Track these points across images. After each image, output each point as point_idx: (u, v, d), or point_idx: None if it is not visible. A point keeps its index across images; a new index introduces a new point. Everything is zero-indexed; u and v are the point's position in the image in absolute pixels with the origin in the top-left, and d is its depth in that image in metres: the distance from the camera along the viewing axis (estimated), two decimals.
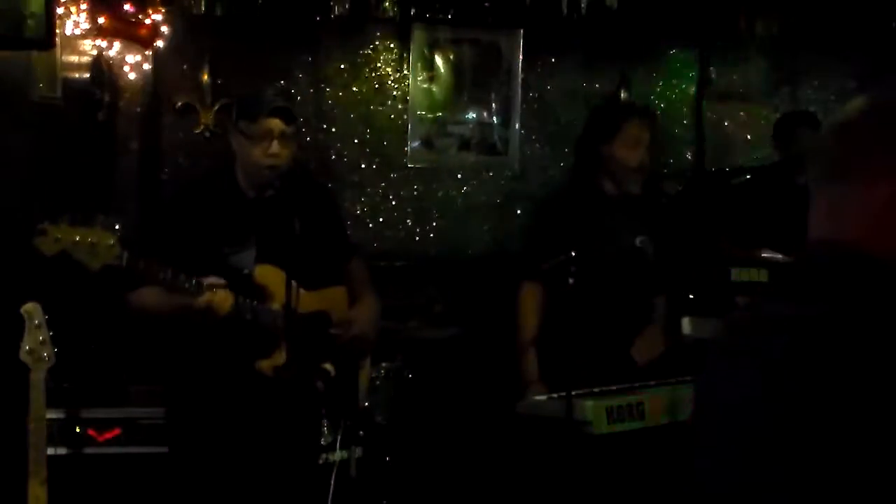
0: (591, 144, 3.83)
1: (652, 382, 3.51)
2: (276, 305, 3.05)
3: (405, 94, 5.47)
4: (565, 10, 5.22)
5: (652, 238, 3.84)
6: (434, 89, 5.50)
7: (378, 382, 4.21)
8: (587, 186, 3.82)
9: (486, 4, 5.32)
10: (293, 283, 2.89)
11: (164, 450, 3.60)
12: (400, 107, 5.48)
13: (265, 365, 3.04)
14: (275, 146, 3.05)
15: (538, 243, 3.77)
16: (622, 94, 5.56)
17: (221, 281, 2.92)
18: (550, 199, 4.02)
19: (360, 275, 3.47)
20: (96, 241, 2.74)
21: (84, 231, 2.73)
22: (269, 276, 3.07)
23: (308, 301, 3.08)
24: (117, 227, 2.80)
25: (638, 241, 3.81)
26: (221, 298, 2.89)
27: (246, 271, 3.07)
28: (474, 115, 5.55)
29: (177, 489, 3.20)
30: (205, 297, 2.88)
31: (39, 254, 2.69)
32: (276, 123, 3.04)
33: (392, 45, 5.45)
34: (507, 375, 3.83)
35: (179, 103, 5.26)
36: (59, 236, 2.70)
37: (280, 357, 3.03)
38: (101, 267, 2.76)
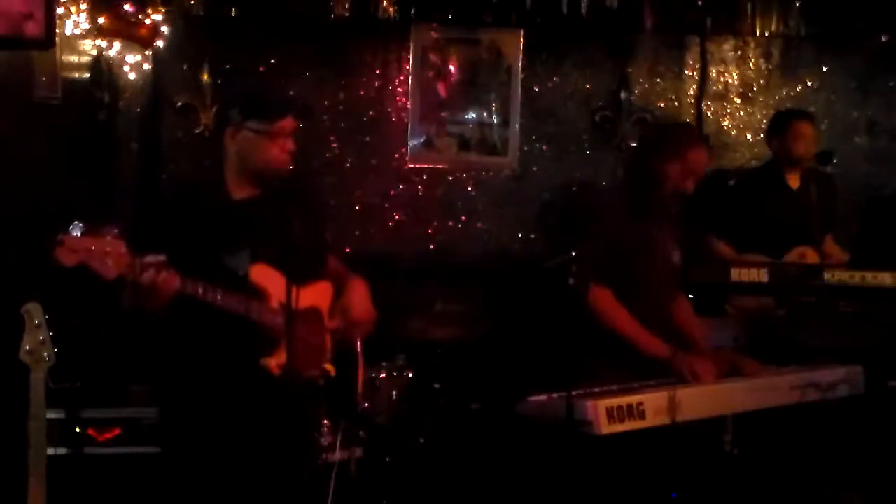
0: (649, 161, 3.77)
1: (652, 382, 3.50)
2: (273, 304, 3.05)
3: (405, 94, 5.47)
4: (565, 10, 5.23)
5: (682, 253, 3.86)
6: (434, 89, 5.50)
7: (378, 382, 4.21)
8: (639, 198, 3.75)
9: (486, 4, 5.32)
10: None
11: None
12: (400, 107, 5.48)
13: (271, 363, 3.04)
14: (290, 143, 3.11)
15: (598, 247, 3.70)
16: (622, 95, 5.56)
17: (162, 258, 2.87)
18: (605, 205, 3.95)
19: (339, 266, 3.48)
20: (109, 251, 2.74)
21: (96, 241, 2.73)
22: (264, 275, 3.08)
23: (301, 297, 3.09)
24: (116, 230, 2.79)
25: (675, 256, 3.81)
26: (164, 279, 2.85)
27: (241, 273, 3.08)
28: (474, 115, 5.55)
29: (175, 490, 3.19)
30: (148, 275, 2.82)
31: (59, 265, 2.68)
32: (292, 121, 3.11)
33: (392, 45, 5.45)
34: (506, 375, 3.83)
35: (179, 103, 5.27)
36: (76, 247, 2.69)
37: (282, 356, 3.03)
38: (116, 276, 2.76)
